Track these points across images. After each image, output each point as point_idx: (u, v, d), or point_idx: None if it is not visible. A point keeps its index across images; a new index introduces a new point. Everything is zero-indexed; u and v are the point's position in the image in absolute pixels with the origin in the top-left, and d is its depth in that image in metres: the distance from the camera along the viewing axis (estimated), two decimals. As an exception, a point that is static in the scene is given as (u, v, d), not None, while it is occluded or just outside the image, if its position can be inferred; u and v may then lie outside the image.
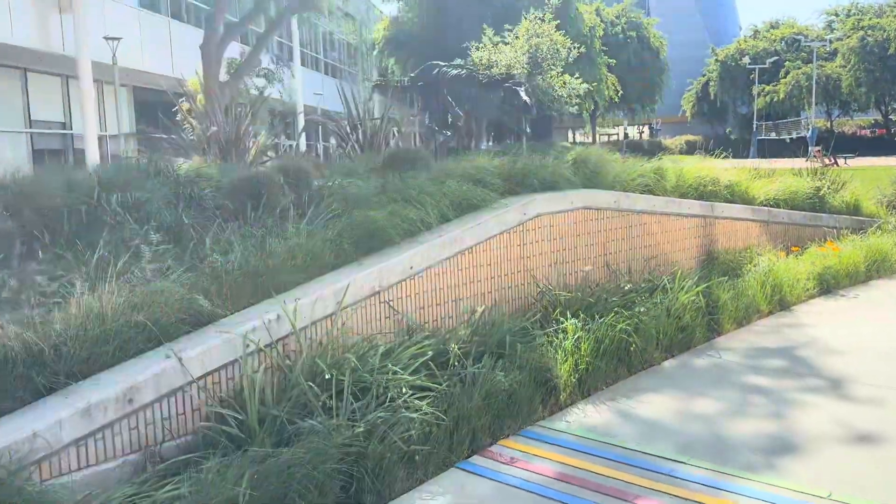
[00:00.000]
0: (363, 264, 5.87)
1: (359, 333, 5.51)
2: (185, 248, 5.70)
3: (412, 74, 30.88)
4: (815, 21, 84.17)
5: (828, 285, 9.61)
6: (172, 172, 7.59)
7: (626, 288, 7.43)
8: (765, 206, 11.03)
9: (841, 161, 43.16)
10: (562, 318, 6.46)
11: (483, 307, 6.34)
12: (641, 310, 6.85)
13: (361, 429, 4.10)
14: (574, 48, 43.93)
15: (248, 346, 4.68)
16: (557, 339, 6.10)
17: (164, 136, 12.71)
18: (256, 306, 5.09)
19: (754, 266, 9.27)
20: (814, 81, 60.10)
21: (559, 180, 8.12)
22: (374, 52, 54.13)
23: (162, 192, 6.99)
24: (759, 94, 67.64)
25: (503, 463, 4.66)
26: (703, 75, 76.76)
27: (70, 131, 22.09)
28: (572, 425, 5.29)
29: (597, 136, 75.63)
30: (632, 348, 6.40)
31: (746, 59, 67.85)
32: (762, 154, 59.40)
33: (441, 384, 4.98)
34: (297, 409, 4.45)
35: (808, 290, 9.26)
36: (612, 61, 57.92)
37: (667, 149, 72.36)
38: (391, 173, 7.74)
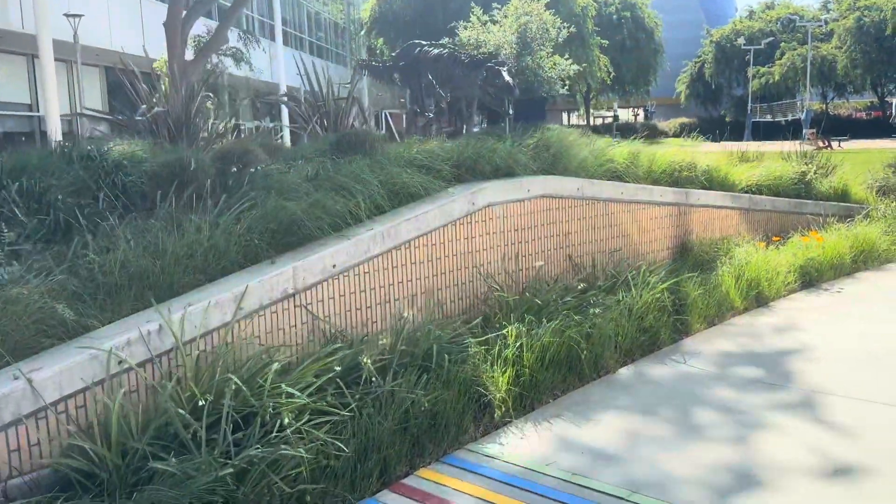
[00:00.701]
0: (275, 263, 5.17)
1: (265, 344, 4.83)
2: (70, 245, 5.00)
3: (392, 54, 30.04)
4: (811, 1, 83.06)
5: (810, 278, 8.95)
6: (99, 157, 6.86)
7: (580, 287, 6.72)
8: (746, 192, 10.34)
9: (835, 144, 42.50)
10: (506, 322, 5.78)
11: (410, 312, 5.64)
12: (596, 311, 6.18)
13: (230, 470, 3.42)
14: (564, 28, 43.08)
15: (119, 362, 4.00)
16: (497, 346, 5.42)
17: (110, 117, 11.93)
18: (137, 315, 4.40)
19: (731, 258, 8.59)
20: (808, 63, 59.22)
21: (515, 166, 7.41)
22: (362, 32, 53.08)
23: (73, 178, 6.28)
24: (754, 76, 66.76)
25: (416, 501, 3.99)
26: (698, 56, 75.76)
27: (37, 113, 21.25)
28: (505, 449, 4.62)
29: (590, 118, 74.74)
30: (583, 356, 5.72)
31: (741, 40, 66.89)
32: (757, 136, 58.73)
33: (351, 405, 4.31)
34: (169, 440, 3.77)
35: (788, 284, 8.59)
36: (605, 42, 56.90)
37: (661, 132, 71.81)
38: (332, 159, 7.04)
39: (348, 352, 4.77)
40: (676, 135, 71.25)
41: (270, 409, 3.82)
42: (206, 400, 3.72)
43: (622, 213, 8.40)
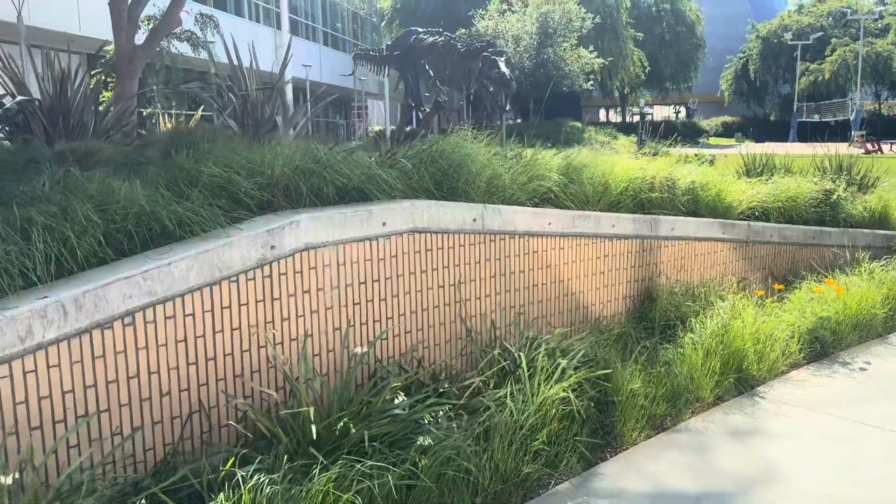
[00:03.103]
0: None
1: None
2: None
3: (388, 43, 27.74)
4: (867, -5, 78.27)
5: (823, 345, 6.41)
6: None
7: (396, 385, 4.29)
8: (745, 218, 7.81)
9: (886, 147, 38.96)
10: (258, 462, 3.43)
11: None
12: (446, 429, 3.80)
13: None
14: (588, 18, 40.26)
15: None
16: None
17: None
18: None
19: (709, 317, 6.10)
20: (860, 59, 55.29)
21: (372, 188, 5.05)
22: (383, 24, 50.93)
23: None
24: (802, 74, 62.89)
25: None
26: (743, 52, 71.91)
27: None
28: None
29: (626, 115, 71.57)
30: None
31: (789, 35, 63.00)
32: (803, 138, 55.13)
33: None
34: None
35: (789, 353, 6.08)
36: (640, 35, 53.81)
37: (704, 131, 68.21)
38: (83, 169, 4.80)
39: None
40: (719, 134, 67.77)
41: None
42: None
43: (553, 252, 5.99)
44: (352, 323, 4.68)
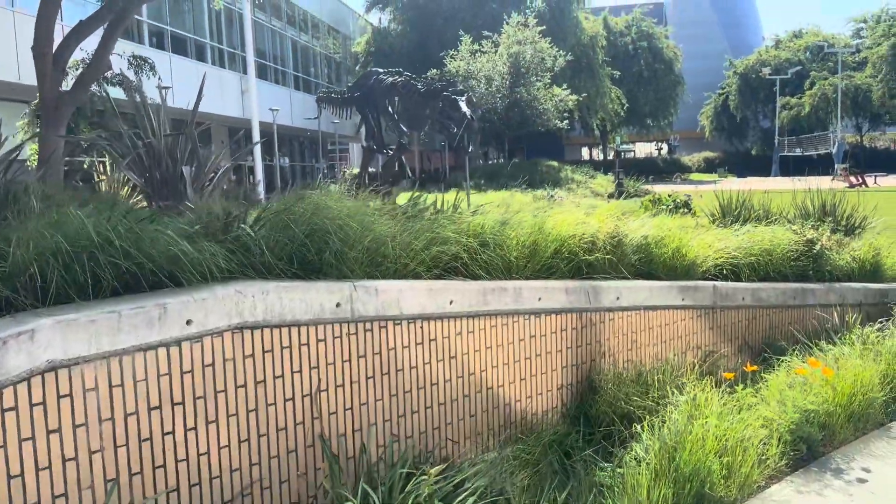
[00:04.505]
0: None
1: None
2: None
3: (349, 84, 26.74)
4: (841, 30, 78.57)
5: (811, 445, 5.02)
6: None
7: None
8: (710, 278, 6.49)
9: (870, 180, 38.09)
10: None
11: None
12: None
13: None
14: (560, 56, 39.48)
15: None
16: None
17: None
18: None
19: (668, 413, 4.72)
20: (839, 92, 55.02)
21: (180, 270, 3.67)
22: (357, 67, 50.19)
23: None
24: (782, 108, 62.66)
25: None
26: (722, 88, 71.82)
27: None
28: None
29: (607, 152, 71.00)
30: None
31: (767, 70, 62.87)
32: (785, 172, 54.52)
33: None
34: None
35: (767, 461, 4.69)
36: (617, 73, 53.32)
37: (685, 167, 67.60)
38: None
39: None
40: (701, 170, 67.11)
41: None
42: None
43: (457, 339, 4.62)
44: (138, 470, 3.28)
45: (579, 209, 7.18)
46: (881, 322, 6.75)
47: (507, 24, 36.22)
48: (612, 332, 5.57)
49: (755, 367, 5.43)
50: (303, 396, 3.88)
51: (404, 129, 22.56)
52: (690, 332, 6.13)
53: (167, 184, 8.47)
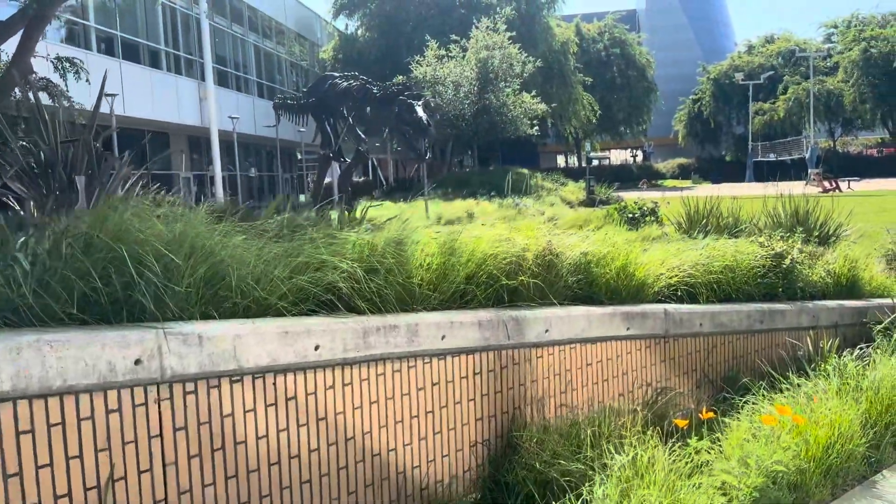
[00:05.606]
0: None
1: None
2: None
3: (304, 90, 25.52)
4: (813, 35, 78.66)
5: (780, 512, 4.04)
6: None
7: None
8: (662, 301, 5.50)
9: (844, 185, 37.58)
10: None
11: None
12: None
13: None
14: (529, 62, 38.66)
15: None
16: None
17: None
18: None
19: (601, 482, 3.71)
20: (811, 97, 54.81)
21: None
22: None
23: None
24: (756, 113, 62.44)
25: None
26: (695, 94, 71.55)
27: None
28: None
29: (581, 160, 70.38)
30: None
31: (740, 76, 62.63)
32: (759, 177, 54.11)
33: None
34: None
35: (727, 540, 3.69)
36: (589, 80, 52.71)
37: (659, 174, 67.16)
38: None
39: None
40: (675, 176, 66.67)
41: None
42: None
43: (329, 394, 3.59)
44: None
45: (535, 220, 6.19)
46: (860, 349, 5.78)
47: (476, 27, 35.40)
48: (540, 372, 4.56)
49: (711, 414, 4.42)
50: (85, 490, 2.82)
51: (361, 135, 21.57)
52: (638, 367, 5.14)
53: (58, 194, 7.41)
